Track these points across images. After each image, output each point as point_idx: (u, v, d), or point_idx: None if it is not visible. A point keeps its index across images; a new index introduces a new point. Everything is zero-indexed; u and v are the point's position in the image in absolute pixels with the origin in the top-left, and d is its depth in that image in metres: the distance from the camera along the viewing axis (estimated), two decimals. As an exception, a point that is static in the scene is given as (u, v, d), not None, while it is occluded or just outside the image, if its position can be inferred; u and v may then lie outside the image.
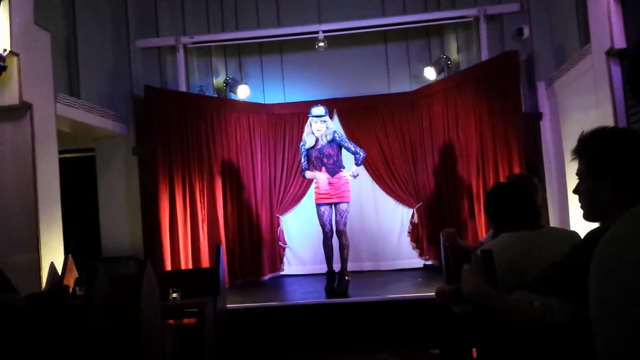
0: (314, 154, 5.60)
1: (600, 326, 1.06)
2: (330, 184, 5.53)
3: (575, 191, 1.56)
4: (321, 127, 5.56)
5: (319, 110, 5.62)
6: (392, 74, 7.40)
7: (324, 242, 5.66)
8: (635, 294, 0.99)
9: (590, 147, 1.47)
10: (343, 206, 5.56)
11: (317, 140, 5.60)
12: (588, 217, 1.53)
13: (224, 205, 6.76)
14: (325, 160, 5.56)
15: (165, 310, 3.99)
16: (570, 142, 5.49)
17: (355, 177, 5.71)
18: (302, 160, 5.67)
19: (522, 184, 2.99)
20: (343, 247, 5.61)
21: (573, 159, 1.53)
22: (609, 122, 4.36)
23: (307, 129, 5.68)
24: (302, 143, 5.72)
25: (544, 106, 6.38)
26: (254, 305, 5.32)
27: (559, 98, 6.06)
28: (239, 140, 7.05)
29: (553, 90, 6.15)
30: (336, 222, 5.58)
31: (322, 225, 5.64)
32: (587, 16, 4.86)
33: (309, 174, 5.68)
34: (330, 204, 5.59)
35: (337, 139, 5.63)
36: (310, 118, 5.64)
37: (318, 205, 5.63)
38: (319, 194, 5.62)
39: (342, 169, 5.63)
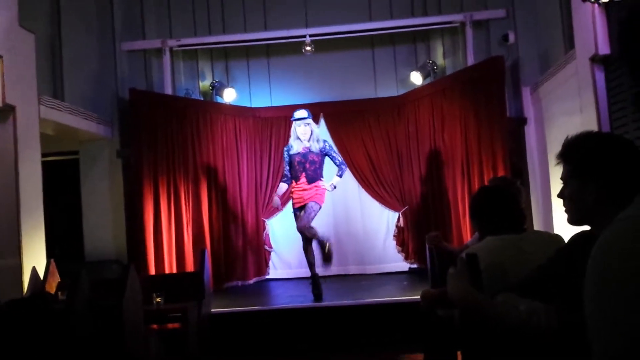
0: (297, 159, 5.58)
1: (599, 330, 1.05)
2: (305, 190, 5.53)
3: (559, 195, 1.56)
4: (306, 131, 5.55)
5: (301, 113, 5.63)
6: (379, 78, 7.43)
7: (304, 247, 5.61)
8: (635, 298, 0.99)
9: (576, 152, 1.48)
10: (311, 204, 5.47)
11: (303, 145, 5.59)
12: (573, 221, 1.53)
13: (209, 209, 6.72)
14: (307, 166, 5.55)
15: (148, 315, 3.96)
16: (554, 147, 5.54)
17: (334, 188, 5.68)
18: (285, 167, 5.73)
19: (504, 187, 2.99)
20: (313, 237, 5.46)
21: (558, 164, 1.53)
22: (593, 127, 4.40)
23: (292, 134, 5.66)
24: (286, 148, 5.72)
25: (529, 111, 6.43)
26: (238, 310, 5.28)
27: (543, 103, 6.11)
28: (225, 143, 7.02)
29: (538, 96, 6.20)
30: (300, 217, 5.49)
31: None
32: (572, 22, 4.91)
33: (280, 188, 5.80)
34: (302, 207, 5.56)
35: (327, 148, 5.65)
36: (294, 122, 5.64)
37: (294, 210, 5.66)
38: (294, 198, 5.64)
39: (321, 179, 5.60)
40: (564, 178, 1.53)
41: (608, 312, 1.03)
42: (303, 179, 5.53)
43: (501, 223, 2.29)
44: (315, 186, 5.54)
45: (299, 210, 5.59)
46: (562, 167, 1.53)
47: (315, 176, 5.55)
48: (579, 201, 1.46)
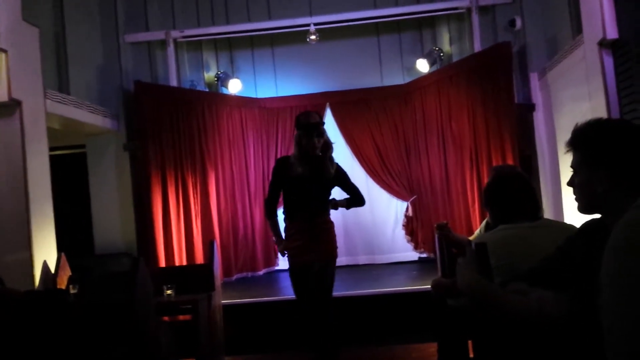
0: (299, 187, 3.64)
1: (615, 316, 1.03)
2: (312, 233, 3.65)
3: (569, 183, 1.54)
4: (319, 144, 3.60)
5: (311, 116, 3.63)
6: (385, 66, 7.39)
7: (306, 317, 3.69)
8: None
9: (585, 139, 1.46)
10: (330, 262, 3.68)
11: (309, 167, 3.63)
12: (583, 209, 1.51)
13: (217, 200, 6.73)
14: (313, 199, 3.67)
15: (159, 307, 3.98)
16: (563, 133, 5.49)
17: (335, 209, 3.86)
18: (271, 193, 3.81)
19: (509, 174, 2.96)
20: (327, 318, 3.65)
21: (567, 152, 1.52)
22: (602, 113, 4.35)
23: (295, 148, 3.64)
24: (279, 167, 3.74)
25: (537, 97, 6.37)
26: (249, 301, 5.30)
27: (551, 89, 6.05)
28: (231, 134, 7.01)
29: (546, 81, 6.15)
30: (320, 288, 3.63)
31: (299, 293, 3.70)
32: (579, 7, 4.84)
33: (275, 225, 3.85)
34: (311, 264, 3.62)
35: (340, 173, 3.79)
36: (299, 132, 3.60)
37: (295, 270, 3.68)
38: (294, 248, 3.68)
39: (328, 215, 3.78)
40: (573, 166, 1.51)
41: (625, 299, 1.02)
42: (305, 217, 3.68)
43: (515, 211, 2.26)
44: (324, 223, 3.72)
45: (305, 270, 3.62)
46: (571, 155, 1.51)
47: (320, 210, 3.71)
48: (589, 189, 1.44)
